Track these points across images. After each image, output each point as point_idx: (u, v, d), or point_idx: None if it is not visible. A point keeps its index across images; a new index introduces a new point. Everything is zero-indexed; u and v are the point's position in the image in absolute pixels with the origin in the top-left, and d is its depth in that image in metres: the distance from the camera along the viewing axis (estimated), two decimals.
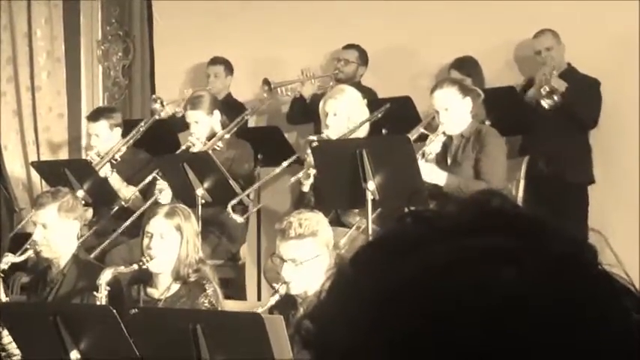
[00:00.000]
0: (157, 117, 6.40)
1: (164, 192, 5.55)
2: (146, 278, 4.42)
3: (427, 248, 0.70)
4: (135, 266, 4.29)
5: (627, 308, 0.70)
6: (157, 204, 5.23)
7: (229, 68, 7.07)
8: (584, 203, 5.96)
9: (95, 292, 4.22)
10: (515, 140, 6.04)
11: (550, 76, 5.76)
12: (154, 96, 6.97)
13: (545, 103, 5.71)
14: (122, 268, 4.33)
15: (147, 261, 4.27)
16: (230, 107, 6.37)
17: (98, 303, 4.18)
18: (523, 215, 0.73)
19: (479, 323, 0.66)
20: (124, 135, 6.17)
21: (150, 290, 4.43)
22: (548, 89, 5.70)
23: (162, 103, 6.65)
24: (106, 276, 4.24)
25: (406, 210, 0.77)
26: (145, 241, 4.32)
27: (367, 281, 0.71)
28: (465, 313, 0.67)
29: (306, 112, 6.48)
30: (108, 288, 4.22)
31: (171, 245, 4.30)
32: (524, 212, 0.74)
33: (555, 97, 5.70)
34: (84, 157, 7.13)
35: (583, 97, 5.78)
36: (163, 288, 4.37)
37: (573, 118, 5.83)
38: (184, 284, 4.32)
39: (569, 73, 5.98)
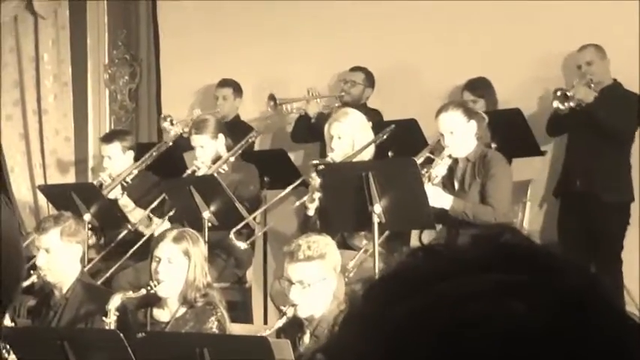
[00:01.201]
0: (170, 143, 6.40)
1: (159, 228, 5.51)
2: (153, 302, 4.42)
3: (438, 283, 0.71)
4: (143, 291, 4.27)
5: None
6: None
7: (238, 90, 7.06)
8: (622, 222, 5.84)
9: (104, 318, 4.21)
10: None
11: (575, 84, 5.69)
12: (163, 114, 6.97)
13: (556, 103, 5.63)
14: (130, 293, 4.31)
15: (155, 285, 4.27)
16: (238, 129, 6.37)
17: (107, 328, 4.18)
18: (534, 250, 0.74)
19: (488, 357, 0.67)
20: (135, 158, 6.20)
21: (157, 314, 4.42)
22: (563, 92, 5.63)
23: (171, 121, 6.65)
24: (115, 301, 4.23)
25: (418, 244, 0.78)
26: (153, 265, 4.32)
27: (378, 315, 0.72)
28: (474, 348, 0.67)
29: (311, 130, 6.48)
30: (117, 313, 4.21)
31: (179, 270, 4.30)
32: (536, 247, 0.75)
33: (570, 103, 5.60)
34: (91, 180, 7.15)
35: (612, 109, 5.66)
36: (171, 312, 4.37)
37: (601, 131, 5.70)
38: (191, 308, 4.32)
39: (613, 88, 5.89)
